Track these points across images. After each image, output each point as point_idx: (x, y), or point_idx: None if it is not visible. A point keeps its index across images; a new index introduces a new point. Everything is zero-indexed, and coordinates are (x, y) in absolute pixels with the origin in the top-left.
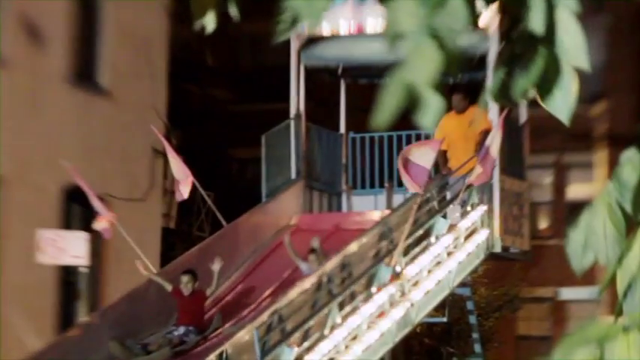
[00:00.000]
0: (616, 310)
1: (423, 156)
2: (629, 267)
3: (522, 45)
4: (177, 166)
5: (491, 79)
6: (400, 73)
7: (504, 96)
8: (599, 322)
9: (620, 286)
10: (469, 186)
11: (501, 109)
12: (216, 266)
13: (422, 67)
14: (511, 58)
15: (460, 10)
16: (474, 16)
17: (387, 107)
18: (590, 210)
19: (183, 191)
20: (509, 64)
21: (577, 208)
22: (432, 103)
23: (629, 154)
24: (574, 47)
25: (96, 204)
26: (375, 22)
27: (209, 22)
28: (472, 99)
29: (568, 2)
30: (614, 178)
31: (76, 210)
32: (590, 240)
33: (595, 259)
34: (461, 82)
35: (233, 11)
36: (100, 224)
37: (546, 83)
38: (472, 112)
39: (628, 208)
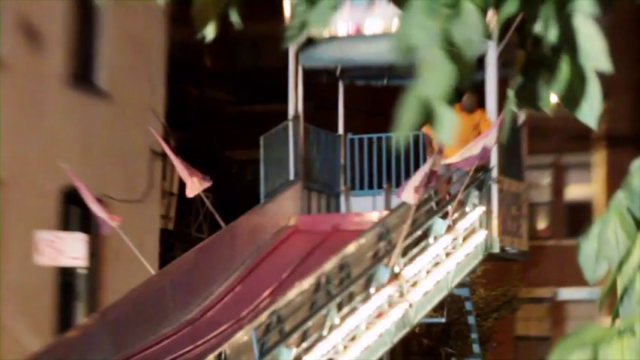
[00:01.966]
0: (612, 313)
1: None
2: (627, 272)
3: (540, 54)
4: (180, 167)
5: (513, 87)
6: (416, 88)
7: (529, 103)
8: (595, 325)
9: (620, 291)
10: (467, 187)
11: (500, 108)
12: None
13: (436, 81)
14: (530, 65)
15: (475, 19)
16: (486, 26)
17: (405, 122)
18: (601, 219)
19: (192, 189)
20: (529, 71)
21: (575, 208)
22: (447, 117)
23: (639, 163)
24: (595, 51)
25: (94, 207)
26: (373, 23)
27: (209, 31)
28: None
29: (584, 6)
30: (624, 187)
31: (74, 211)
32: (603, 249)
33: (608, 267)
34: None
35: (235, 19)
36: (106, 229)
37: (572, 90)
38: (478, 114)
39: (638, 215)
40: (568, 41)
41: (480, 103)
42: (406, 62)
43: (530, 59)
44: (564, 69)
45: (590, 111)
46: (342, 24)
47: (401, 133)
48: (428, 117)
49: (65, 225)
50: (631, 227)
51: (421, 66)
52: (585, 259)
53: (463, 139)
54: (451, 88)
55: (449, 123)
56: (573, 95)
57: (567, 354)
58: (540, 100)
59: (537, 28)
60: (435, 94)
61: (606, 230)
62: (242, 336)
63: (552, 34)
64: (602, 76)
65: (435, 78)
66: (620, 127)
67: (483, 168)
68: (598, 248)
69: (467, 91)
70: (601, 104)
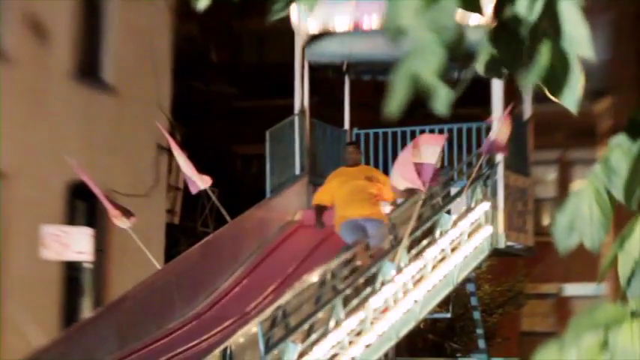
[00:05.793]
0: (620, 295)
1: (429, 153)
2: (632, 252)
3: (513, 25)
4: (184, 163)
5: (480, 53)
6: (406, 64)
7: (493, 70)
8: (607, 305)
9: (622, 272)
10: (473, 182)
11: (506, 104)
12: None
13: (427, 58)
14: (500, 34)
15: (449, 6)
16: (477, 3)
17: (396, 98)
18: (577, 193)
19: (193, 186)
20: (498, 39)
21: None
22: (441, 90)
23: (618, 140)
24: (578, 37)
25: (103, 200)
26: (379, 18)
27: (202, 1)
28: (473, 96)
29: None
30: (602, 163)
31: (80, 206)
32: (576, 222)
33: (580, 241)
34: (460, 79)
35: None
36: (124, 222)
37: (553, 74)
38: (366, 168)
39: (617, 193)
40: (552, 25)
41: (485, 98)
42: (397, 47)
43: (501, 26)
44: (545, 53)
45: (571, 95)
46: (348, 19)
47: (392, 108)
48: (421, 92)
49: (71, 219)
50: (606, 205)
51: (412, 47)
52: (559, 231)
53: (355, 195)
54: (444, 64)
55: (444, 96)
56: (555, 79)
57: (579, 335)
58: (506, 69)
59: (520, 8)
60: (427, 69)
61: (581, 204)
62: (247, 331)
63: (534, 14)
64: (607, 72)
65: (425, 55)
66: (625, 122)
67: (489, 163)
68: (571, 221)
69: (347, 145)
70: (582, 89)
